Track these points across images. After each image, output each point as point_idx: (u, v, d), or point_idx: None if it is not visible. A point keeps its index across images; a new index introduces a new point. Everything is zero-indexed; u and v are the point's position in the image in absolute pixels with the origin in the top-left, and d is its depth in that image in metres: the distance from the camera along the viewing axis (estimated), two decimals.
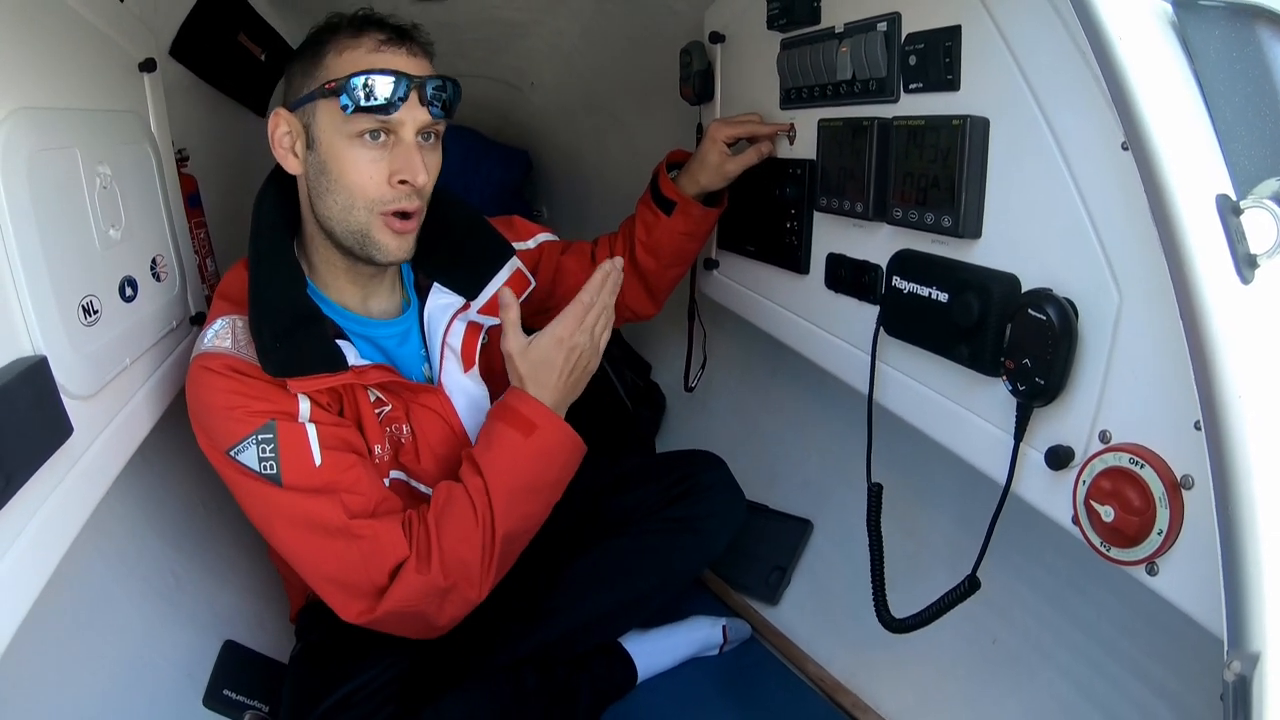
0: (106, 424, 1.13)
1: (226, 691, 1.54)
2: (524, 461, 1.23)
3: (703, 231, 1.62)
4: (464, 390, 1.37)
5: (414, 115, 1.18)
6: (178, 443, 1.38)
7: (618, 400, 2.39)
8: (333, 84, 1.15)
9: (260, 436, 1.14)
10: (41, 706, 1.19)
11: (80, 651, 1.29)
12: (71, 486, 1.02)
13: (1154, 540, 0.77)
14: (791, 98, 1.38)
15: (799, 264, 1.41)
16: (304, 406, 1.17)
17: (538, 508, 1.26)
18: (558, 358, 1.24)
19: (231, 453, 1.14)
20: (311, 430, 1.16)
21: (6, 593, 0.87)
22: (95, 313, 1.09)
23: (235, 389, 1.15)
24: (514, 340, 1.26)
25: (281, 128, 1.22)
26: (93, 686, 1.30)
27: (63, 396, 0.97)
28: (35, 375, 0.92)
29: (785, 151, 1.44)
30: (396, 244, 1.23)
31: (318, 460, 1.15)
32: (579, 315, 1.25)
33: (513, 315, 1.27)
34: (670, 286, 1.71)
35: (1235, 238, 0.63)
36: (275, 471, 1.14)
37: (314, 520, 1.16)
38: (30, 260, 0.93)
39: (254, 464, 1.14)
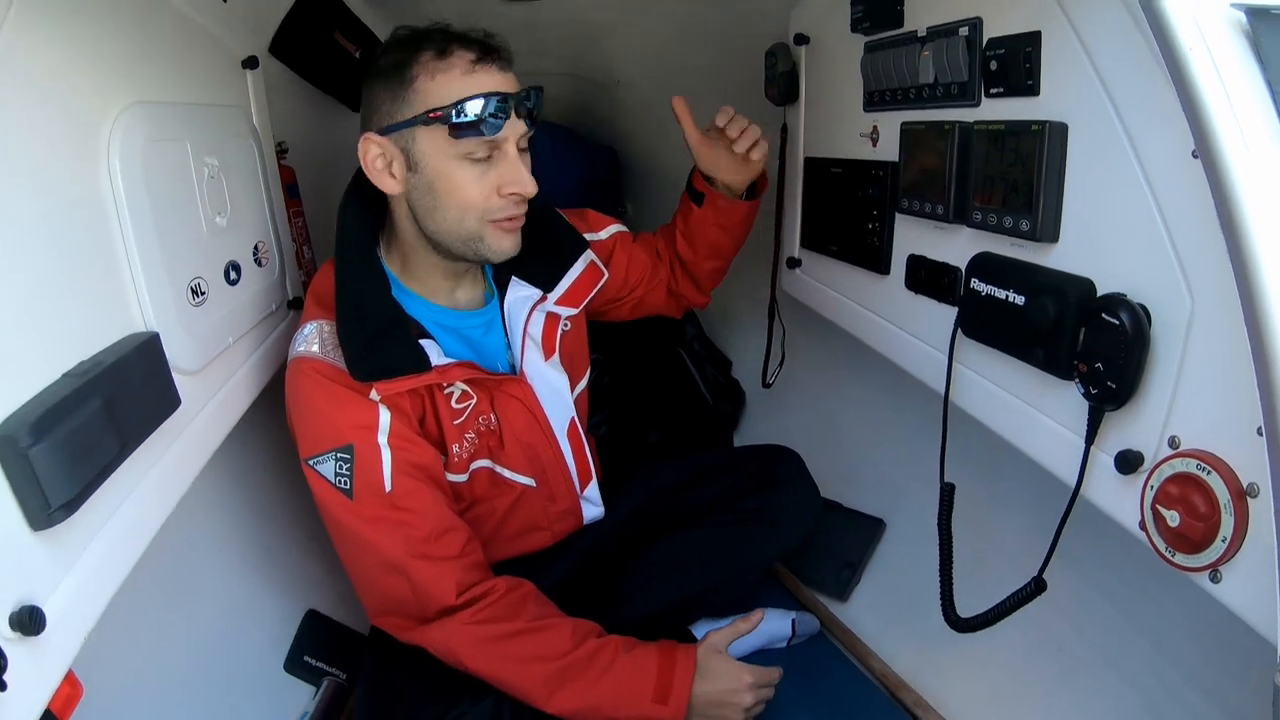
0: (210, 398, 1.19)
1: (307, 658, 1.62)
2: (625, 697, 1.27)
3: (733, 223, 1.61)
4: (545, 377, 1.43)
5: (515, 130, 1.23)
6: (272, 421, 1.45)
7: (698, 395, 2.43)
8: (438, 112, 1.17)
9: (339, 454, 1.21)
10: (135, 663, 1.27)
11: (175, 613, 1.38)
12: (179, 453, 1.08)
13: (1218, 547, 0.77)
14: (874, 100, 1.39)
15: (880, 264, 1.42)
16: (384, 419, 1.23)
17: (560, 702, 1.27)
18: (735, 693, 1.34)
19: (312, 462, 1.23)
20: (387, 455, 1.23)
21: (115, 548, 0.92)
22: (203, 294, 1.16)
23: (322, 397, 1.23)
24: (724, 636, 1.40)
25: (373, 151, 1.23)
26: (185, 646, 1.38)
27: (172, 371, 1.03)
28: (148, 350, 0.98)
29: (869, 153, 1.45)
30: (511, 242, 1.29)
31: (388, 485, 1.22)
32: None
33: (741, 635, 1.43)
34: (710, 278, 1.71)
35: None
36: (349, 487, 1.21)
37: (375, 550, 1.23)
38: (144, 244, 1.00)
39: (330, 477, 1.22)
